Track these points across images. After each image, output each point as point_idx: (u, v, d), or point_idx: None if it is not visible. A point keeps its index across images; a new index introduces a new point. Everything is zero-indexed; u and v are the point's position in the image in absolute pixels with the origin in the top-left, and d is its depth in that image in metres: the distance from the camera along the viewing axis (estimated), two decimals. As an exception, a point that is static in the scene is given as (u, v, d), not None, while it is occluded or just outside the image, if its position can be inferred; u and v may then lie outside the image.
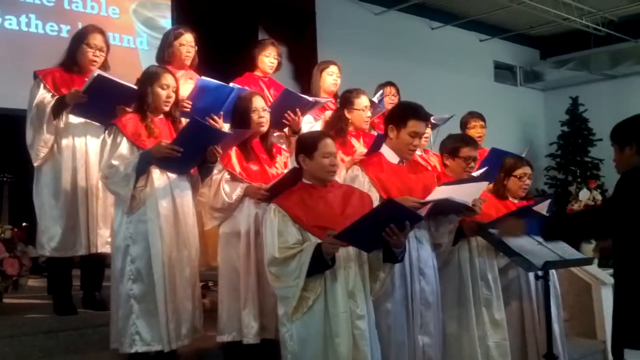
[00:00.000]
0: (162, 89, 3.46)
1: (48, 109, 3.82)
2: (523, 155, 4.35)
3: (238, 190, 3.56)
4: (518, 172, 4.08)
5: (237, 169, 3.60)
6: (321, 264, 2.93)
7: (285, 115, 4.22)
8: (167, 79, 3.48)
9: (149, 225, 3.34)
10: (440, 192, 3.37)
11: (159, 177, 3.41)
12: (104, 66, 4.00)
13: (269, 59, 4.70)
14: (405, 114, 3.49)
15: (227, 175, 3.60)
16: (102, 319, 3.80)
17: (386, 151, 3.56)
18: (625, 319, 3.10)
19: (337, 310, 2.97)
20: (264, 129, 3.73)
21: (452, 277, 3.71)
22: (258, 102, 3.69)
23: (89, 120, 3.92)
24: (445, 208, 3.42)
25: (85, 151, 3.90)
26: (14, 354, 3.53)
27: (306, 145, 3.17)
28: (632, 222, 3.02)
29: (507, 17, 10.15)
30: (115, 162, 3.33)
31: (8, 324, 3.68)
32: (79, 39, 3.97)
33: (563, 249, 3.65)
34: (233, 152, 3.62)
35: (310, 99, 4.39)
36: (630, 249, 3.08)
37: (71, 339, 3.73)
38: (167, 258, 3.35)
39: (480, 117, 5.09)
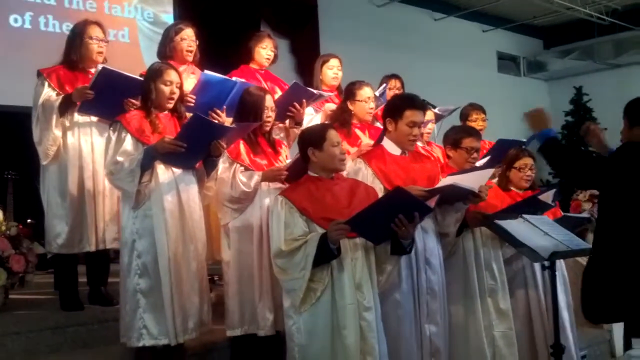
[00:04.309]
0: (166, 85, 3.46)
1: (55, 108, 3.82)
2: (528, 140, 4.35)
3: (255, 178, 3.55)
4: (519, 163, 4.08)
5: (247, 161, 3.61)
6: (327, 254, 2.93)
7: (290, 107, 4.22)
8: (171, 75, 3.48)
9: (154, 220, 3.35)
10: (446, 183, 3.38)
11: (163, 172, 3.41)
12: (103, 60, 4.01)
13: (265, 50, 4.68)
14: (400, 105, 3.50)
15: (240, 167, 3.60)
16: (108, 314, 3.83)
17: (387, 144, 3.57)
18: (592, 292, 3.10)
19: (345, 302, 2.97)
20: (269, 128, 3.76)
21: (457, 268, 3.71)
22: (269, 101, 3.71)
23: (95, 119, 3.92)
24: (451, 196, 3.43)
25: (91, 149, 3.91)
26: (21, 350, 3.55)
27: (314, 138, 3.17)
28: (617, 189, 3.04)
29: (510, 8, 10.11)
30: (120, 158, 3.33)
31: (15, 320, 3.69)
32: (80, 35, 3.97)
33: (570, 239, 3.65)
34: (241, 146, 3.63)
35: (316, 91, 4.39)
36: (611, 226, 3.09)
37: (78, 334, 3.74)
38: (173, 253, 3.36)
39: (482, 110, 5.07)
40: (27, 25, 6.15)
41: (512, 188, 4.11)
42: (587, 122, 3.85)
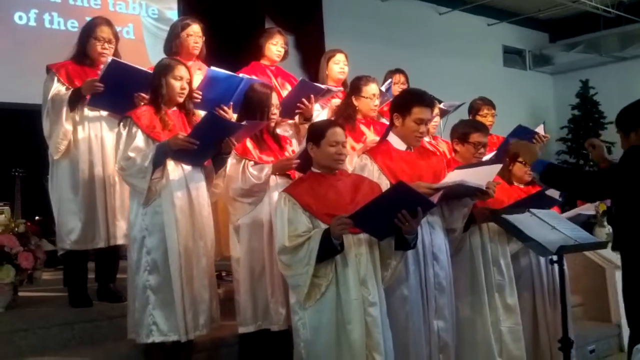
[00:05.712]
0: (176, 80, 3.46)
1: (64, 102, 3.81)
2: (539, 130, 4.38)
3: (266, 170, 3.56)
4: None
5: (255, 157, 3.61)
6: (330, 249, 2.93)
7: (299, 104, 4.22)
8: (181, 70, 3.48)
9: (164, 217, 3.35)
10: (453, 176, 3.36)
11: (173, 169, 3.42)
12: (115, 56, 4.00)
13: (276, 47, 4.69)
14: (409, 101, 3.47)
15: (250, 162, 3.60)
16: (117, 311, 3.83)
17: (393, 139, 3.55)
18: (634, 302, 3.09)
19: (350, 297, 2.97)
20: (273, 125, 3.77)
21: (464, 263, 3.70)
22: (275, 99, 3.71)
23: (105, 113, 3.91)
24: (458, 192, 3.41)
25: (101, 144, 3.90)
26: (30, 347, 3.57)
27: (314, 133, 3.18)
28: (631, 194, 3.03)
29: (516, 1, 10.08)
30: (131, 154, 3.33)
31: (23, 317, 3.70)
32: (88, 33, 3.98)
33: (578, 233, 3.64)
34: (248, 143, 3.63)
35: (324, 87, 4.39)
36: (631, 227, 3.07)
37: (86, 331, 3.76)
38: (183, 249, 3.37)
39: (493, 106, 5.04)
40: (32, 23, 6.17)
41: (514, 182, 4.10)
42: (589, 138, 3.91)
